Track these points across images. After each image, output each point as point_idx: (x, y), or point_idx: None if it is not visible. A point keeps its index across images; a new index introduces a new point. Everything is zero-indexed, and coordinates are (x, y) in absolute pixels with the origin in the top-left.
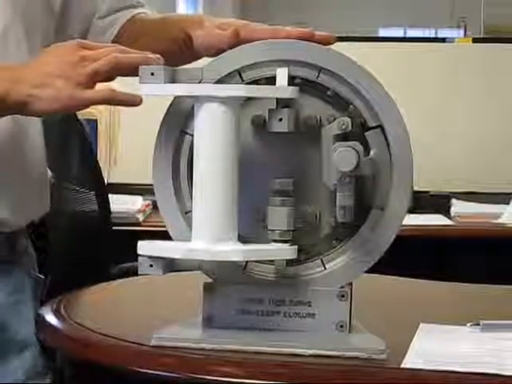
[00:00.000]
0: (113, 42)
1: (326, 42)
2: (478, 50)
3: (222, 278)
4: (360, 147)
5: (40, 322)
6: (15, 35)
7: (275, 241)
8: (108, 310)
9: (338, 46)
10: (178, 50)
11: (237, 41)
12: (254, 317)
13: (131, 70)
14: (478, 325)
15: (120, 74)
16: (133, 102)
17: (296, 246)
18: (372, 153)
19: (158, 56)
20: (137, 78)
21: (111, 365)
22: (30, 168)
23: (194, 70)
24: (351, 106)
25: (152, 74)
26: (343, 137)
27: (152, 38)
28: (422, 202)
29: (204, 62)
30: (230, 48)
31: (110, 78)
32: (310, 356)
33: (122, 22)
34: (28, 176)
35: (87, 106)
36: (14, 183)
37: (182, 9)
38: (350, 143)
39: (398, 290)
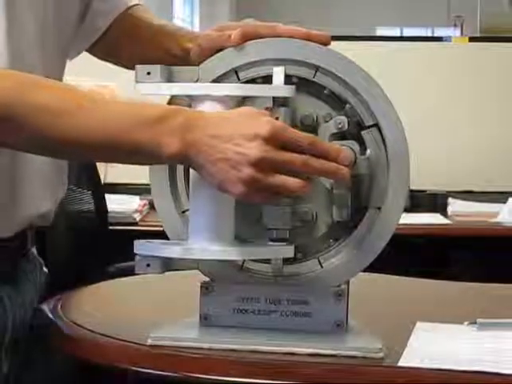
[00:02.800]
0: (106, 29)
1: (321, 42)
2: (474, 49)
3: (218, 277)
4: (356, 146)
5: (37, 320)
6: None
7: (272, 240)
8: (105, 309)
9: (335, 45)
10: (171, 60)
11: (244, 41)
12: (251, 316)
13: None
14: (475, 323)
15: None
16: None
17: (293, 245)
18: (368, 152)
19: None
20: (133, 79)
21: (108, 364)
22: (62, 161)
23: (190, 69)
24: (348, 105)
25: (148, 73)
26: (340, 136)
27: (146, 44)
28: (419, 200)
29: None
30: None
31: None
32: (307, 355)
33: (119, 11)
34: (61, 170)
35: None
36: (54, 177)
37: (179, 10)
38: (346, 142)
39: (394, 288)
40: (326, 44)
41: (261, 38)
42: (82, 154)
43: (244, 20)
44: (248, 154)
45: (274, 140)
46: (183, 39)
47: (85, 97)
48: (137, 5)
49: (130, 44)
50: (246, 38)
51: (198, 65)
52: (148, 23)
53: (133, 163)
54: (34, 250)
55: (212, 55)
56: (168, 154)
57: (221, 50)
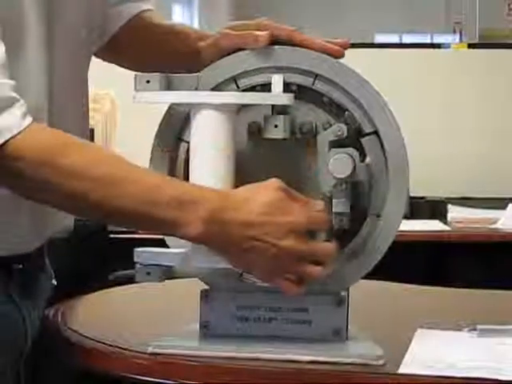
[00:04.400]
0: (116, 34)
1: (337, 56)
2: (473, 55)
3: (218, 285)
4: (356, 153)
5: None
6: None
7: None
8: (105, 317)
9: None
10: (180, 60)
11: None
12: (250, 324)
13: None
14: (475, 330)
15: None
16: None
17: None
18: (368, 159)
19: None
20: (132, 86)
21: (108, 372)
22: None
23: (189, 77)
24: (347, 113)
25: (148, 81)
26: (339, 143)
27: (155, 45)
28: (419, 207)
29: None
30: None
31: None
32: (307, 362)
33: (129, 16)
34: None
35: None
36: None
37: (178, 12)
38: (345, 149)
39: (394, 295)
40: (340, 57)
41: (279, 43)
42: (106, 220)
43: (257, 19)
44: (282, 247)
45: (303, 229)
46: (193, 38)
47: (121, 164)
48: (149, 10)
49: (140, 46)
50: (272, 41)
51: (209, 64)
52: (158, 24)
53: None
54: (47, 260)
55: (229, 55)
56: (190, 236)
57: (240, 49)
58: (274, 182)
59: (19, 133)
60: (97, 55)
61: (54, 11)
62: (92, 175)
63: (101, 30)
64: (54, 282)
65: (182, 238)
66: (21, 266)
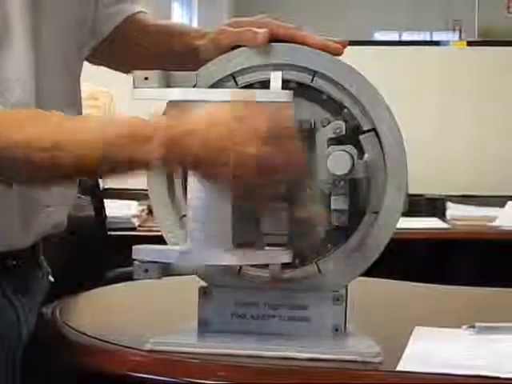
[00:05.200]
0: (109, 36)
1: (337, 54)
2: (472, 53)
3: (217, 282)
4: (354, 151)
5: (36, 326)
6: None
7: (270, 245)
8: (103, 314)
9: None
10: (177, 59)
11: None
12: (249, 321)
13: None
14: (474, 327)
15: None
16: None
17: (291, 250)
18: (366, 156)
19: None
20: (131, 84)
21: (107, 369)
22: None
23: (188, 74)
24: (345, 110)
25: (146, 78)
26: (337, 140)
27: (152, 50)
28: (417, 205)
29: None
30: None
31: None
32: (306, 360)
33: (123, 16)
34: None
35: None
36: (68, 187)
37: (177, 11)
38: (344, 147)
39: (393, 293)
40: (338, 54)
41: (279, 41)
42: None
43: (258, 16)
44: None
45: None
46: (189, 37)
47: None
48: (141, 12)
49: (135, 47)
50: (270, 39)
51: (208, 62)
52: (152, 25)
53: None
54: (43, 257)
55: (227, 52)
56: (153, 161)
57: (238, 46)
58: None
59: None
60: (90, 60)
61: (39, 4)
62: (40, 145)
63: (92, 31)
64: (51, 278)
65: (146, 168)
66: (14, 263)
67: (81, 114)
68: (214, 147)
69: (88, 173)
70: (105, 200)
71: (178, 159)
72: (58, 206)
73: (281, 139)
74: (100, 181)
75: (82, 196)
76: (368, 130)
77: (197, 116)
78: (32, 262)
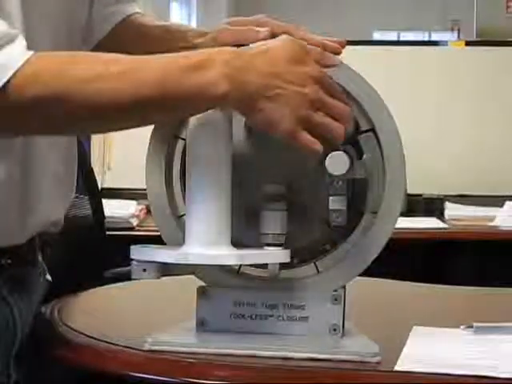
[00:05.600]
0: (105, 37)
1: (335, 53)
2: (470, 53)
3: (215, 282)
4: (352, 151)
5: (34, 325)
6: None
7: (268, 244)
8: (102, 314)
9: None
10: None
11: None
12: (247, 321)
13: None
14: (472, 327)
15: None
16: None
17: (289, 250)
18: (364, 156)
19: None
20: None
21: (105, 369)
22: (73, 168)
23: None
24: None
25: None
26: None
27: (150, 46)
28: (416, 205)
29: None
30: None
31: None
32: (304, 359)
33: (119, 18)
34: (72, 177)
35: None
36: (66, 187)
37: (176, 11)
38: (342, 147)
39: (391, 292)
40: (337, 54)
41: None
42: (133, 116)
43: (256, 16)
44: (305, 92)
45: (324, 83)
46: (190, 36)
47: (121, 60)
48: (138, 13)
49: (134, 47)
50: (271, 38)
51: None
52: (151, 25)
53: (182, 115)
54: (39, 256)
55: None
56: (217, 95)
57: (238, 46)
58: (285, 36)
59: (26, 61)
60: None
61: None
62: (103, 74)
63: (88, 33)
64: (49, 277)
65: (211, 104)
66: (10, 261)
67: None
68: (272, 80)
69: (145, 109)
70: (103, 200)
71: (240, 87)
72: (54, 204)
73: (331, 88)
74: (98, 180)
75: (81, 195)
76: (366, 130)
77: (255, 49)
78: (28, 261)
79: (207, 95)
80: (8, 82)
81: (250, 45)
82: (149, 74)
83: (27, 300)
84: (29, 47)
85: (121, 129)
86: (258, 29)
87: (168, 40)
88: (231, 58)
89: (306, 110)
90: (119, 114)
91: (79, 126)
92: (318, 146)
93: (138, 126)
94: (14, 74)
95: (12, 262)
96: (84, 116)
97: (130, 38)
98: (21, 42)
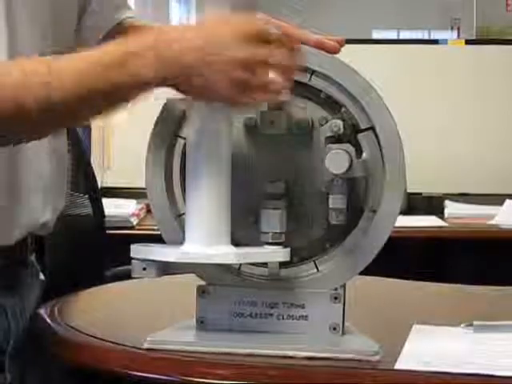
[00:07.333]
0: (100, 41)
1: (332, 51)
2: (470, 52)
3: (215, 280)
4: (352, 149)
5: (33, 325)
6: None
7: (268, 243)
8: (101, 313)
9: None
10: None
11: None
12: (247, 319)
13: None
14: (472, 326)
15: None
16: None
17: (289, 249)
18: (364, 155)
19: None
20: None
21: (104, 368)
22: (62, 170)
23: None
24: (343, 109)
25: None
26: (335, 139)
27: None
28: (415, 203)
29: None
30: None
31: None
32: (304, 358)
33: (114, 22)
34: (62, 181)
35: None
36: (54, 187)
37: (175, 11)
38: (342, 145)
39: (391, 291)
40: (335, 52)
41: None
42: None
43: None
44: (233, 56)
45: (260, 36)
46: None
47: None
48: (130, 17)
49: None
50: None
51: None
52: (147, 27)
53: (116, 102)
54: (32, 257)
55: None
56: (148, 78)
57: None
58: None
59: None
60: None
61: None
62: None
63: (79, 39)
64: (42, 277)
65: (144, 88)
66: (1, 262)
67: None
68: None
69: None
70: (103, 199)
71: (170, 65)
72: (41, 207)
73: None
74: (98, 179)
75: (81, 194)
76: (366, 129)
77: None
78: (20, 262)
79: (141, 82)
80: None
81: None
82: (76, 72)
83: (20, 300)
84: (15, 50)
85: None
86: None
87: None
88: (161, 38)
89: (239, 74)
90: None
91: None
92: (259, 102)
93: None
94: None
95: (3, 264)
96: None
97: None
98: None
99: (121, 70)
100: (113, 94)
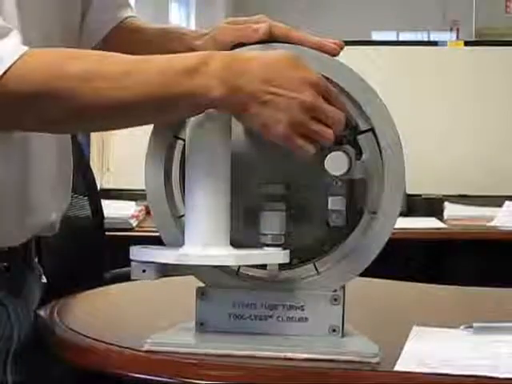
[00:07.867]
0: (102, 41)
1: (332, 54)
2: (469, 53)
3: (214, 282)
4: (352, 151)
5: (33, 327)
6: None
7: (268, 245)
8: (101, 315)
9: None
10: None
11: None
12: (247, 321)
13: None
14: (471, 327)
15: None
16: None
17: (288, 250)
18: (364, 156)
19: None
20: None
21: (104, 370)
22: (68, 170)
23: None
24: None
25: None
26: (335, 141)
27: (148, 48)
28: (415, 205)
29: None
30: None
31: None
32: (303, 360)
33: (115, 22)
34: (68, 180)
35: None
36: (61, 187)
37: (175, 11)
38: (341, 147)
39: (390, 293)
40: (335, 55)
41: (275, 41)
42: (123, 118)
43: (254, 16)
44: (301, 98)
45: (321, 88)
46: (188, 38)
47: (123, 59)
48: (132, 16)
49: (130, 51)
50: (267, 39)
51: None
52: (146, 27)
53: (176, 117)
54: (36, 259)
55: (227, 50)
56: (211, 98)
57: (238, 46)
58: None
59: (21, 57)
60: None
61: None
62: (100, 74)
63: (81, 38)
64: (44, 279)
65: (204, 107)
66: (6, 264)
67: None
68: (268, 83)
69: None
70: (102, 200)
71: (233, 91)
72: (50, 207)
73: (327, 92)
74: (98, 181)
75: (80, 196)
76: (365, 131)
77: (251, 54)
78: (24, 265)
79: (201, 99)
80: (1, 77)
81: (247, 47)
82: (146, 77)
83: (23, 302)
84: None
85: (117, 128)
86: (256, 26)
87: (165, 42)
88: (227, 62)
89: (301, 116)
90: (114, 113)
91: (75, 123)
92: (310, 149)
93: (134, 125)
94: (9, 69)
95: (8, 266)
96: (80, 114)
97: (125, 41)
98: (16, 37)
99: (189, 78)
100: (169, 106)
